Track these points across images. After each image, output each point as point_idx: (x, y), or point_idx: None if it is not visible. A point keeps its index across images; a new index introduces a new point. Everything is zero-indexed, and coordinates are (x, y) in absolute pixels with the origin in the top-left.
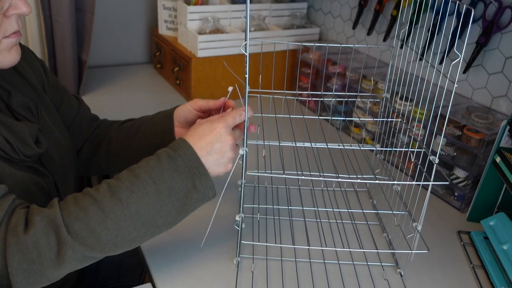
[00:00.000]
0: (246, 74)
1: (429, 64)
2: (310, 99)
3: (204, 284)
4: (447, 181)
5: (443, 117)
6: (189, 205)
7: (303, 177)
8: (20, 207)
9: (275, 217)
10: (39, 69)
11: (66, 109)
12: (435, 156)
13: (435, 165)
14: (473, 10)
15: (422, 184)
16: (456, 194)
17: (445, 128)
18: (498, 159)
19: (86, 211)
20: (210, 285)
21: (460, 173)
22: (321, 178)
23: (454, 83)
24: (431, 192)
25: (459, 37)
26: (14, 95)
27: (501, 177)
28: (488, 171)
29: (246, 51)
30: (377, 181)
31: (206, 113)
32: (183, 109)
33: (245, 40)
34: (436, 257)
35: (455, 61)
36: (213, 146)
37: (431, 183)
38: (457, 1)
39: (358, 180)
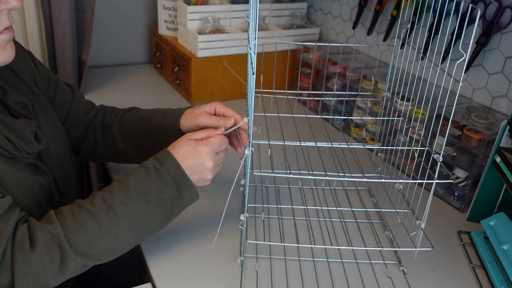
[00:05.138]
0: (254, 74)
1: (433, 63)
2: (309, 98)
3: (205, 283)
4: (451, 179)
5: (445, 117)
6: (175, 211)
7: (309, 177)
8: (21, 222)
9: (277, 217)
10: (29, 61)
11: (60, 100)
12: (439, 155)
13: (439, 163)
14: (479, 10)
15: (422, 184)
16: (456, 194)
17: (444, 128)
18: (498, 159)
19: (85, 225)
20: (212, 284)
21: (460, 173)
22: (327, 178)
23: (459, 82)
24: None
25: (460, 37)
26: (9, 93)
27: (501, 177)
28: (488, 171)
29: (253, 51)
30: (382, 180)
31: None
32: (188, 122)
33: (253, 40)
34: (436, 256)
35: (460, 60)
36: (195, 169)
37: (434, 181)
38: (460, 1)
39: (364, 179)
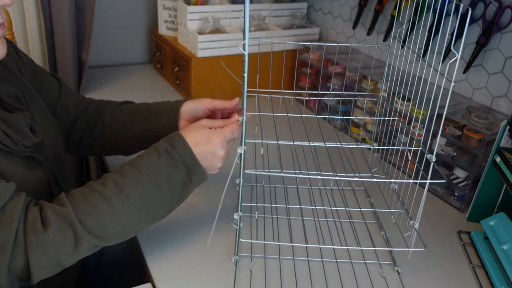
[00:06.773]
0: (245, 73)
1: (426, 64)
2: (307, 98)
3: (203, 283)
4: (444, 179)
5: (441, 116)
6: (185, 194)
7: (300, 176)
8: (32, 204)
9: (273, 216)
10: (12, 52)
11: (48, 91)
12: (432, 155)
13: (432, 164)
14: (470, 9)
15: (421, 183)
16: (456, 194)
17: (444, 128)
18: (498, 159)
19: (97, 208)
20: (209, 284)
21: (460, 173)
22: (319, 177)
23: (451, 81)
24: (431, 192)
25: (459, 37)
26: (1, 86)
27: (501, 177)
28: (488, 171)
29: (245, 50)
30: (374, 180)
31: (214, 112)
32: (196, 106)
33: (244, 39)
34: (435, 257)
35: (452, 60)
36: (206, 155)
37: (428, 181)
38: (455, 2)
39: (356, 179)
